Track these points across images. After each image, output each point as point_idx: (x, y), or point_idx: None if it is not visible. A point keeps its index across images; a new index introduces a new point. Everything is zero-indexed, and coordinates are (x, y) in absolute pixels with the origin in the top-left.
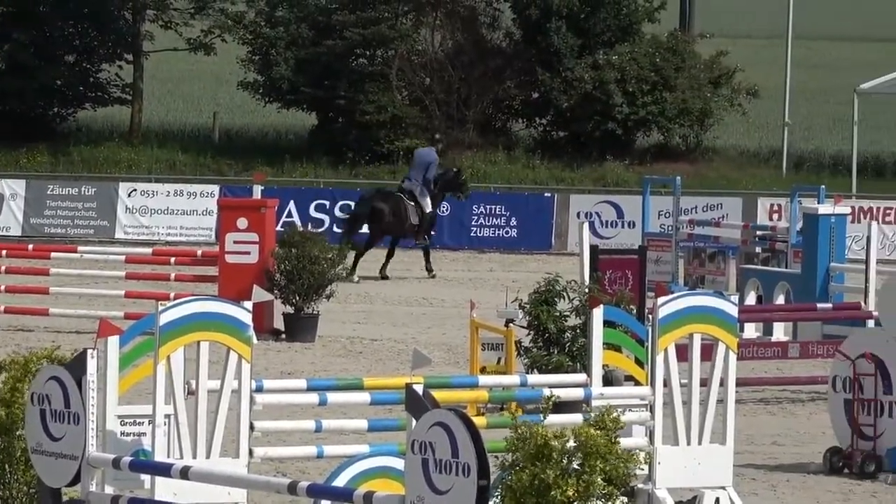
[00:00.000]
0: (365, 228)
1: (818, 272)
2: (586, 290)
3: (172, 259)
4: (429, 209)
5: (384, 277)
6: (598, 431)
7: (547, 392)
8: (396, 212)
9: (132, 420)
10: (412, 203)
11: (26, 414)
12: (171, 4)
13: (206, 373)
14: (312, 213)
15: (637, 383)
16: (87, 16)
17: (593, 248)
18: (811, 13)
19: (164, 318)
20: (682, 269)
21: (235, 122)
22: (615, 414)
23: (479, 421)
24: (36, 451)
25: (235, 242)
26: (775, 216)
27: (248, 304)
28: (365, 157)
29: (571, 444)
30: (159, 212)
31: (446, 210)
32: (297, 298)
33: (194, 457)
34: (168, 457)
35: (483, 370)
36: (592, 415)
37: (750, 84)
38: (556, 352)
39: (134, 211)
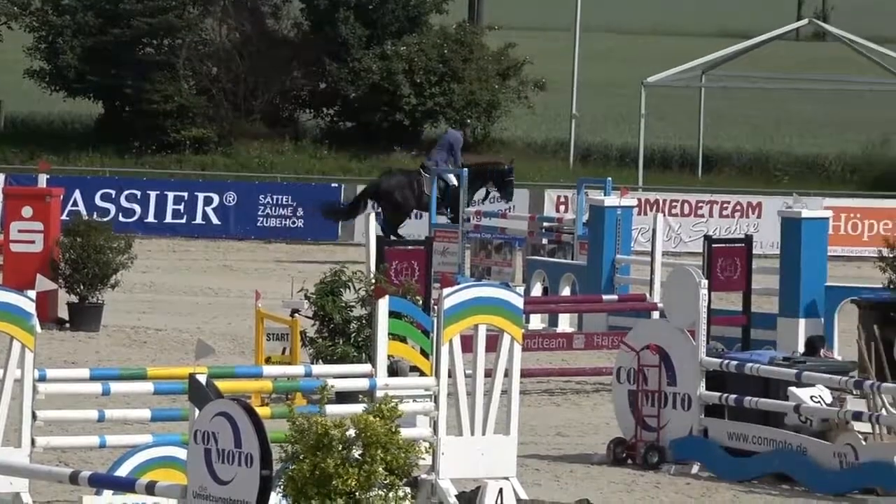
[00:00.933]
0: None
1: (604, 264)
2: (372, 281)
3: None
4: (453, 183)
5: None
6: (378, 420)
7: (326, 383)
8: (409, 186)
9: None
10: (426, 176)
11: None
12: None
13: None
14: (98, 202)
15: (422, 374)
16: None
17: (380, 239)
18: (599, 6)
19: None
20: (468, 260)
21: (21, 111)
22: (393, 403)
23: (262, 411)
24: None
25: (20, 231)
26: (562, 208)
27: (32, 294)
28: (151, 147)
29: (352, 433)
30: None
31: (233, 200)
32: (82, 288)
33: None
34: None
35: (268, 360)
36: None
37: (538, 76)
38: (341, 342)
39: None
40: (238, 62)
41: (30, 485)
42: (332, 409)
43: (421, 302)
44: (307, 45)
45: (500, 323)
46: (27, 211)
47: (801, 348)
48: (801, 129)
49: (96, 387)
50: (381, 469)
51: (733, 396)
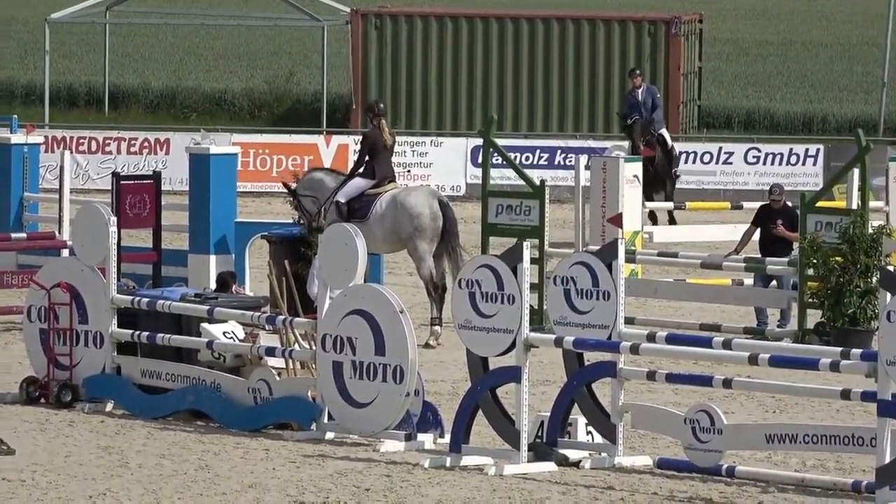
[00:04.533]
0: None
1: (12, 202)
2: None
3: None
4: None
5: None
6: None
7: None
8: None
9: None
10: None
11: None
12: None
13: None
14: None
15: None
16: None
17: None
18: None
19: None
20: None
21: None
22: None
23: None
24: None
25: None
26: None
27: None
28: None
29: None
30: None
31: None
32: None
33: None
34: None
35: None
36: None
37: None
38: None
39: None
40: None
41: None
42: None
43: None
44: None
45: None
46: None
47: (213, 285)
48: (207, 66)
49: None
50: None
51: (146, 334)
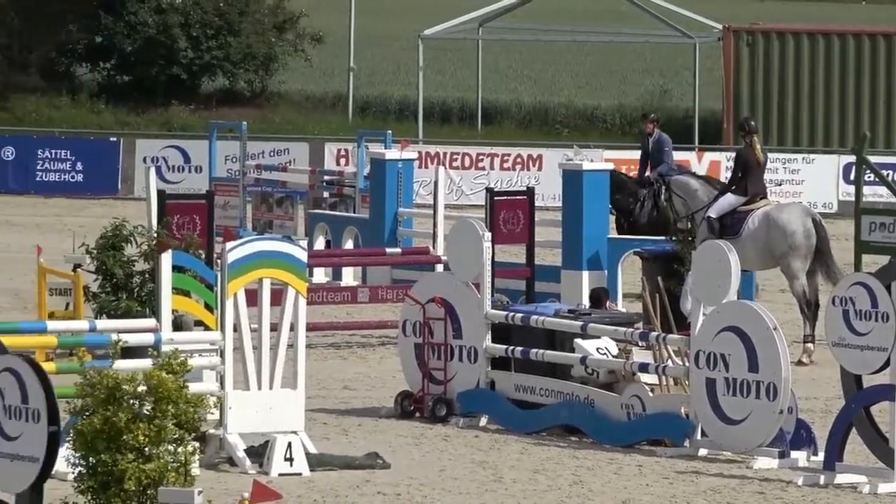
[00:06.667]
0: None
1: (386, 217)
2: (154, 235)
3: None
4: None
5: None
6: (168, 375)
7: (115, 337)
8: None
9: None
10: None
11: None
12: None
13: None
14: None
15: (207, 328)
16: None
17: (160, 193)
18: None
19: None
20: (249, 213)
21: None
22: (182, 358)
23: (47, 366)
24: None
25: None
26: (342, 161)
27: None
28: None
29: (143, 388)
30: None
31: (11, 155)
32: None
33: None
34: None
35: (51, 316)
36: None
37: (315, 29)
38: (124, 297)
39: None
40: (12, 16)
41: None
42: (121, 364)
43: (203, 256)
44: None
45: (284, 276)
46: None
47: (586, 301)
48: (578, 82)
49: None
50: (170, 424)
51: (520, 349)
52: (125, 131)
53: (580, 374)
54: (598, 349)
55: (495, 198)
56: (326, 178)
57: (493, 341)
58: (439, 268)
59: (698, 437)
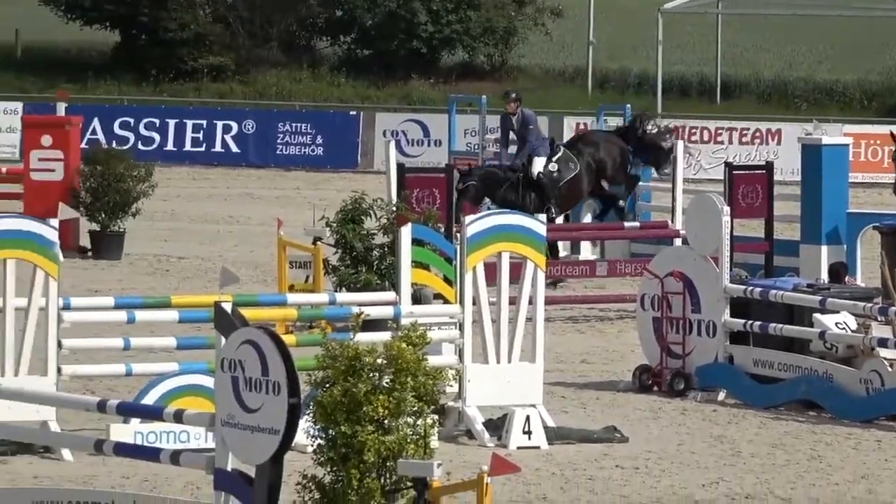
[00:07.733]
0: None
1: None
2: (393, 209)
3: None
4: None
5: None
6: (408, 347)
7: (356, 310)
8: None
9: None
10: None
11: None
12: None
13: (12, 291)
14: (117, 130)
15: (446, 302)
16: None
17: (400, 167)
18: None
19: None
20: None
21: (38, 40)
22: (421, 330)
23: (288, 339)
24: None
25: (40, 160)
26: None
27: (55, 222)
28: (169, 75)
29: (382, 360)
30: None
31: (252, 128)
32: (103, 216)
33: (2, 375)
34: None
35: (291, 288)
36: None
37: (554, 3)
38: (363, 270)
39: None
40: None
41: (57, 413)
42: (360, 337)
43: (443, 229)
44: None
45: (523, 250)
46: (46, 139)
47: (825, 275)
48: (819, 56)
49: (121, 315)
50: (410, 396)
51: (758, 323)
52: (365, 105)
53: (819, 348)
54: (836, 324)
55: (734, 172)
56: None
57: (732, 316)
58: (678, 242)
59: None
